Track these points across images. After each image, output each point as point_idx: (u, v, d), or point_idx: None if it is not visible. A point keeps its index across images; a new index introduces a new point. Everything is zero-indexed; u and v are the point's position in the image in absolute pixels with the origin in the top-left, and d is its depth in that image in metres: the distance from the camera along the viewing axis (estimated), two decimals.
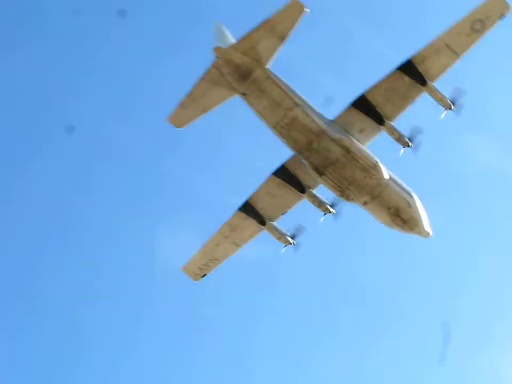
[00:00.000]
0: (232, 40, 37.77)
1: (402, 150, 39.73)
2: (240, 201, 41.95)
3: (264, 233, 42.73)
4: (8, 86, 70.41)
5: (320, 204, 41.41)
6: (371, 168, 39.19)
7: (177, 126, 37.72)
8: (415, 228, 41.56)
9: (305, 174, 40.45)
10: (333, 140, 38.30)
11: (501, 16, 37.38)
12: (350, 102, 39.04)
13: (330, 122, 38.86)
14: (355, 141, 38.90)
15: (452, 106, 38.98)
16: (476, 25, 37.52)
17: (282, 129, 37.87)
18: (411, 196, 40.95)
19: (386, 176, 39.78)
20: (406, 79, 38.43)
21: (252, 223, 42.19)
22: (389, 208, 40.61)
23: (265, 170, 41.21)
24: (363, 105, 38.91)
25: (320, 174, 39.17)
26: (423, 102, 39.56)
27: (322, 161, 38.75)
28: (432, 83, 38.62)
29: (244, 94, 37.32)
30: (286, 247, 42.64)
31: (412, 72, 38.29)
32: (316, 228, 42.71)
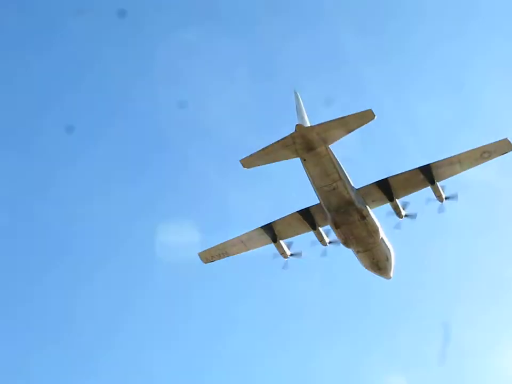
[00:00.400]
0: (305, 113, 47.56)
1: (399, 220, 51.61)
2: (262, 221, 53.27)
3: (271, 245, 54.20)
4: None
5: (322, 239, 52.94)
6: (374, 232, 50.97)
7: (245, 167, 47.13)
8: (384, 273, 54.51)
9: (321, 218, 51.71)
10: (356, 209, 49.45)
11: (504, 152, 49.43)
12: (376, 181, 50.42)
13: (357, 192, 49.88)
14: (370, 211, 50.29)
15: (444, 201, 51.06)
16: (485, 154, 49.40)
17: (323, 192, 48.45)
18: (390, 252, 53.36)
19: (380, 237, 51.70)
20: (421, 176, 50.08)
21: (266, 238, 53.50)
22: (373, 259, 52.98)
23: (291, 206, 52.72)
24: (384, 185, 50.45)
25: (337, 227, 50.45)
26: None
27: (342, 220, 49.93)
28: (438, 183, 50.32)
29: (304, 160, 47.17)
30: (285, 261, 54.40)
31: (427, 173, 49.88)
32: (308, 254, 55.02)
